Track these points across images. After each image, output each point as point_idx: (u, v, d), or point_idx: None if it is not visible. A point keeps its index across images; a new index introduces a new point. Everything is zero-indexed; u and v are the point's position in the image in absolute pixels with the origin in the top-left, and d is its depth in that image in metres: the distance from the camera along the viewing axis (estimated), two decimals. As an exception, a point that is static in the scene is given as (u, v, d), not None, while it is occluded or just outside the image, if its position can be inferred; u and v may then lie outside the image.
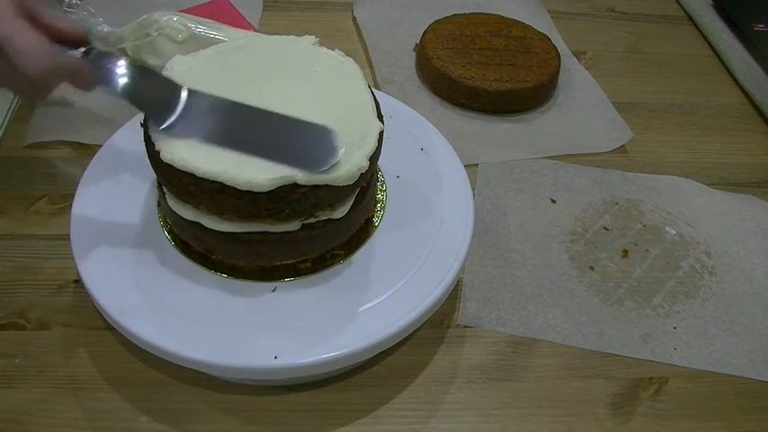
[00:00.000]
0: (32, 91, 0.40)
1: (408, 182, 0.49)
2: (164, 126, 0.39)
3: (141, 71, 0.39)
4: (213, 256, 0.43)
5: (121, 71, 0.38)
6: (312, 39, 0.47)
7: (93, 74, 0.38)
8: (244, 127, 0.40)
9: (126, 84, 0.38)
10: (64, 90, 0.62)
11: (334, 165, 0.38)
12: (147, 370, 0.44)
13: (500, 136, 0.65)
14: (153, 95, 0.39)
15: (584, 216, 0.58)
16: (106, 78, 0.38)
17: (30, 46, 0.35)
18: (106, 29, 0.62)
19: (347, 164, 0.39)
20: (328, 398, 0.44)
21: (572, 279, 0.53)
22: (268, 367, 0.38)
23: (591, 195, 0.60)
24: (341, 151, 0.38)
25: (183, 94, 0.39)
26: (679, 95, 0.74)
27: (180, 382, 0.44)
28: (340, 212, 0.42)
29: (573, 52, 0.76)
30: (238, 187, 0.37)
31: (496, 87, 0.66)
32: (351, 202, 0.42)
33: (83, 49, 0.38)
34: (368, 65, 0.72)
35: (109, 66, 0.38)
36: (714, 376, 0.48)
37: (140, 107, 0.39)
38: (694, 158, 0.66)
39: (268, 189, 0.37)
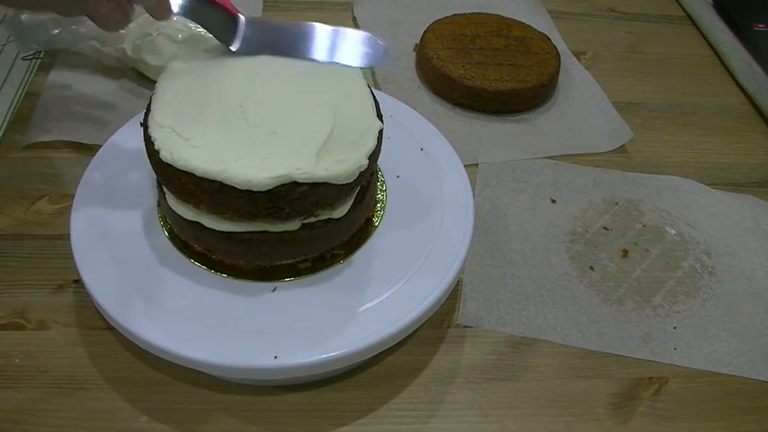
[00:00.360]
0: (118, 17, 0.42)
1: (408, 182, 0.49)
2: (236, 49, 0.43)
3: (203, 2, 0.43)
4: (213, 256, 0.43)
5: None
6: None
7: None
8: (300, 41, 0.45)
9: (193, 8, 0.42)
10: (64, 90, 0.63)
11: (334, 153, 0.39)
12: (147, 370, 0.44)
13: (500, 136, 0.65)
14: (217, 21, 0.43)
15: (584, 216, 0.58)
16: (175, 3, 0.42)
17: None
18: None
19: (347, 162, 0.39)
20: (328, 398, 0.44)
21: (572, 279, 0.53)
22: (268, 367, 0.38)
23: (591, 195, 0.60)
24: (386, 50, 0.44)
25: (242, 21, 0.44)
26: (679, 95, 0.74)
27: (180, 382, 0.44)
28: (340, 212, 0.42)
29: (573, 52, 0.76)
30: (237, 186, 0.37)
31: (496, 87, 0.66)
32: (351, 202, 0.42)
33: None
34: (368, 65, 0.72)
35: None
36: (714, 376, 0.48)
37: (210, 31, 0.43)
38: (694, 158, 0.66)
39: (267, 188, 0.37)
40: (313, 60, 0.44)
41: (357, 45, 0.45)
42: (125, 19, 0.42)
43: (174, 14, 0.42)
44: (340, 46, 0.45)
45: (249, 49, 0.44)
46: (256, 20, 0.44)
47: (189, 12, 0.42)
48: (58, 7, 0.40)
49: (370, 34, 0.45)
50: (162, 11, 0.41)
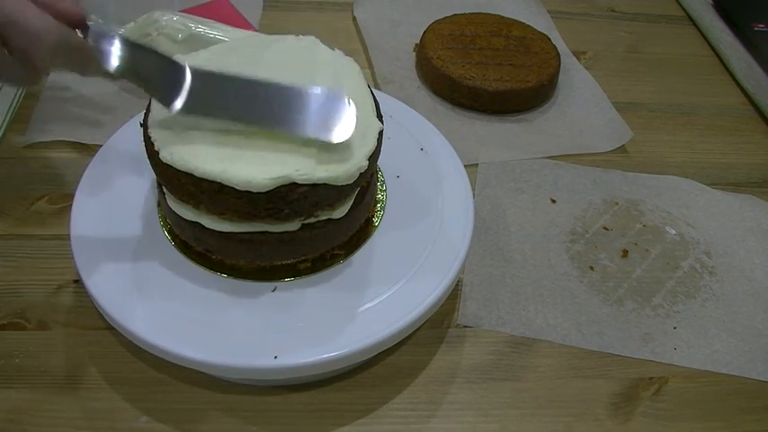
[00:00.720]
0: (28, 75, 0.37)
1: (408, 182, 0.49)
2: (175, 109, 0.38)
3: (139, 49, 0.38)
4: (213, 256, 0.43)
5: (118, 50, 0.37)
6: (312, 39, 0.47)
7: (95, 54, 0.37)
8: (255, 101, 0.39)
9: (126, 64, 0.37)
10: (64, 90, 0.63)
11: (333, 152, 0.38)
12: (147, 370, 0.44)
13: (500, 136, 0.65)
14: (156, 75, 0.38)
15: (584, 216, 0.58)
16: (106, 58, 0.37)
17: (37, 23, 0.34)
18: (105, 28, 0.62)
19: (347, 163, 0.39)
20: (328, 398, 0.44)
21: (572, 279, 0.53)
22: (268, 367, 0.38)
23: (591, 195, 0.60)
24: (354, 113, 0.38)
25: (188, 74, 0.38)
26: (679, 95, 0.74)
27: (180, 382, 0.44)
28: (340, 212, 0.42)
29: (573, 52, 0.76)
30: (237, 187, 0.37)
31: (496, 87, 0.66)
32: (351, 202, 0.42)
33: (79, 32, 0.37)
34: (368, 65, 0.72)
35: (107, 45, 0.37)
36: (714, 376, 0.48)
37: (144, 88, 0.38)
38: (694, 158, 0.66)
39: (267, 189, 0.37)
40: (265, 129, 0.39)
41: (319, 111, 0.39)
42: (35, 76, 0.37)
43: (106, 71, 0.37)
44: (298, 113, 0.39)
45: (191, 110, 0.38)
46: (208, 73, 0.39)
47: (125, 65, 0.37)
48: None
49: (339, 94, 0.39)
50: (87, 66, 0.37)
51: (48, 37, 0.34)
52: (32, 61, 0.35)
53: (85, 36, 0.37)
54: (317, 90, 0.40)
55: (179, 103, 0.38)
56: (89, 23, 0.37)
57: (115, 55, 0.37)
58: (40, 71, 0.37)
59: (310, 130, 0.38)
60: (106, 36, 0.37)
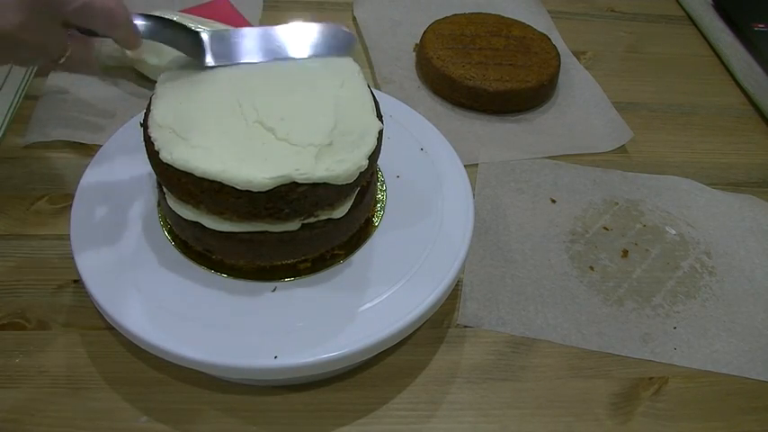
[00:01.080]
0: (85, 56, 0.43)
1: (408, 182, 0.49)
2: (209, 63, 0.43)
3: (160, 22, 0.42)
4: (213, 256, 0.43)
5: (147, 25, 0.41)
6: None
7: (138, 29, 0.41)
8: (268, 43, 0.45)
9: (159, 31, 0.42)
10: (64, 90, 0.63)
11: (333, 153, 0.39)
12: (147, 370, 0.44)
13: (500, 136, 0.65)
14: (184, 40, 0.43)
15: (584, 216, 0.58)
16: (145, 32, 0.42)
17: (109, 2, 0.38)
18: None
19: (346, 162, 0.39)
20: (328, 398, 0.44)
21: (572, 279, 0.53)
22: (268, 367, 0.38)
23: (591, 195, 0.60)
24: (352, 35, 0.45)
25: (205, 36, 0.43)
26: (679, 95, 0.74)
27: (180, 382, 0.44)
28: (340, 212, 0.42)
29: (573, 52, 0.76)
30: (237, 187, 0.37)
31: (496, 87, 0.66)
32: (350, 202, 0.42)
33: None
34: (368, 65, 0.72)
35: (138, 20, 0.41)
36: (714, 376, 0.48)
37: (180, 50, 0.43)
38: (694, 158, 0.66)
39: (267, 189, 0.37)
40: (290, 59, 0.44)
41: (324, 38, 0.45)
42: (91, 57, 0.44)
43: (143, 40, 0.42)
44: (307, 41, 0.45)
45: (221, 61, 0.44)
46: (216, 32, 0.44)
47: (156, 34, 0.42)
48: (17, 60, 0.41)
49: (333, 24, 0.45)
50: (133, 41, 0.41)
51: (121, 13, 0.39)
52: (115, 38, 0.40)
53: None
54: (315, 26, 0.45)
55: (209, 60, 0.43)
56: None
57: (149, 28, 0.42)
58: (92, 49, 0.44)
59: (315, 52, 0.45)
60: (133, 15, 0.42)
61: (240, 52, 0.44)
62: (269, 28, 0.45)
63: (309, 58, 0.45)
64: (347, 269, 0.44)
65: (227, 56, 0.44)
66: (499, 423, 0.44)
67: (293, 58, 0.44)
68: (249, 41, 0.44)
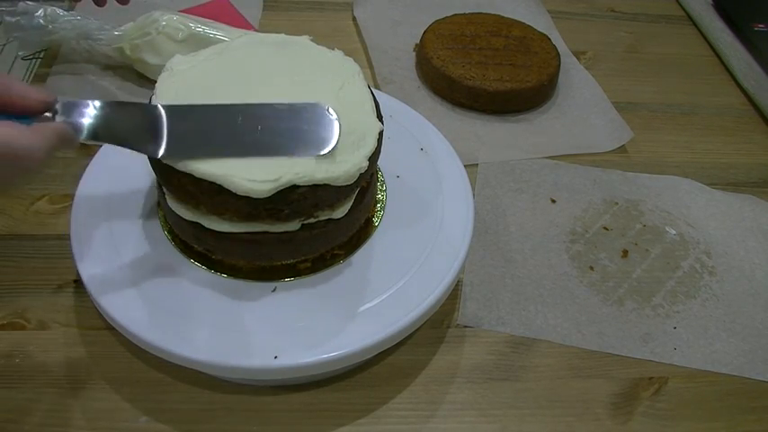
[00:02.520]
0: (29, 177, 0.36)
1: (408, 182, 0.49)
2: (161, 155, 0.37)
3: (114, 106, 0.37)
4: (213, 256, 0.43)
5: (92, 113, 0.36)
6: (306, 39, 0.47)
7: (74, 134, 0.36)
8: (236, 129, 0.39)
9: (102, 130, 0.36)
10: (63, 90, 0.63)
11: (333, 154, 0.38)
12: (147, 370, 0.44)
13: (500, 136, 0.65)
14: (135, 126, 0.38)
15: (584, 216, 0.58)
16: (81, 129, 0.36)
17: (28, 141, 0.33)
18: (105, 28, 0.62)
19: (346, 164, 0.39)
20: (328, 398, 0.44)
21: (572, 279, 0.53)
22: (268, 367, 0.38)
23: (591, 195, 0.60)
24: (337, 127, 0.39)
25: (163, 115, 0.38)
26: (679, 95, 0.74)
27: (180, 382, 0.44)
28: (340, 212, 0.42)
29: (573, 52, 0.76)
30: (237, 192, 0.37)
31: (496, 87, 0.66)
32: (351, 202, 0.42)
33: (48, 114, 0.36)
34: (368, 65, 0.72)
35: (79, 115, 0.36)
36: (714, 376, 0.48)
37: (126, 145, 0.37)
38: (694, 158, 0.66)
39: (266, 195, 0.37)
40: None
41: (305, 128, 0.39)
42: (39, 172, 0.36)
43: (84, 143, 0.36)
44: (283, 134, 0.39)
45: (174, 153, 0.37)
46: (186, 108, 0.38)
47: (101, 131, 0.36)
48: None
49: (324, 106, 0.39)
50: (71, 145, 0.36)
51: (39, 150, 0.33)
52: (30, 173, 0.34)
53: (55, 114, 0.36)
54: (297, 107, 0.40)
55: (161, 151, 0.37)
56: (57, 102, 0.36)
57: (89, 124, 0.36)
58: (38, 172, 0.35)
59: (294, 151, 0.38)
60: (76, 107, 0.36)
61: (205, 143, 0.38)
62: (244, 107, 0.39)
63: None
64: (347, 269, 0.44)
65: (186, 148, 0.38)
66: (499, 423, 0.44)
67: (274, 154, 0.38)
68: (218, 128, 0.38)
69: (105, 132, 0.37)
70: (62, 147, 0.35)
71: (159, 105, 0.38)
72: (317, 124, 0.39)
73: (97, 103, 0.37)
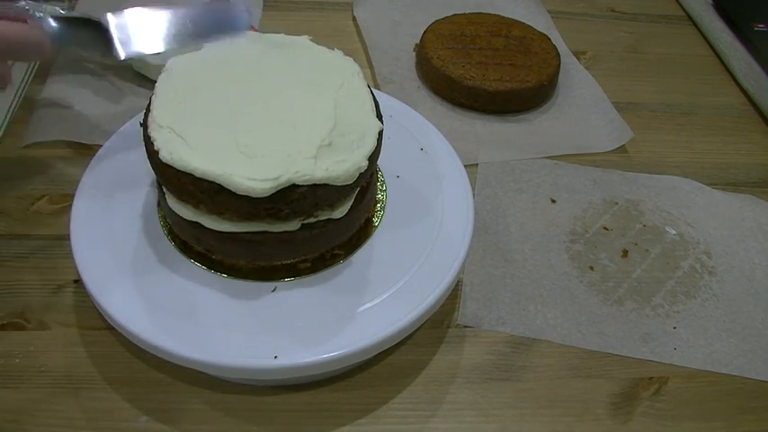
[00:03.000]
0: None
1: (408, 182, 0.49)
2: (120, 58, 0.43)
3: (68, 20, 0.42)
4: (213, 256, 0.43)
5: (56, 27, 0.41)
6: (306, 39, 0.47)
7: (47, 39, 0.41)
8: (166, 23, 0.44)
9: (68, 36, 0.42)
10: (63, 90, 0.63)
11: (333, 154, 0.39)
12: (147, 370, 0.44)
13: (500, 136, 0.65)
14: (91, 38, 0.43)
15: (585, 216, 0.58)
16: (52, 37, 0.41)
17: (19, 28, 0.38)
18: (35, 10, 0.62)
19: (346, 163, 0.39)
20: (328, 398, 0.44)
21: (572, 279, 0.53)
22: (268, 367, 0.38)
23: (591, 195, 0.60)
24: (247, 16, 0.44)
25: (108, 20, 0.43)
26: (679, 95, 0.74)
27: (180, 382, 0.44)
28: (340, 212, 0.42)
29: (573, 52, 0.76)
30: (237, 192, 0.37)
31: (496, 87, 0.66)
32: (350, 202, 0.42)
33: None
34: (368, 65, 0.72)
35: (46, 25, 0.41)
36: (714, 376, 0.48)
37: (87, 52, 0.44)
38: (694, 158, 0.66)
39: (266, 195, 0.37)
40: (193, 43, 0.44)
41: (218, 19, 0.45)
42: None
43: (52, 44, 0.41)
44: (203, 25, 0.44)
45: (130, 53, 0.43)
46: (119, 19, 0.43)
47: (67, 38, 0.42)
48: None
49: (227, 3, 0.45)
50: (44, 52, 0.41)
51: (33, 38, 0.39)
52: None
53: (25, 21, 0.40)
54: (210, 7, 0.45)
55: (121, 53, 0.43)
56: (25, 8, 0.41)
57: (56, 31, 0.41)
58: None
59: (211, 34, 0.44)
60: (41, 18, 0.41)
61: (143, 41, 0.43)
62: (166, 10, 0.44)
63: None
64: (347, 269, 0.44)
65: (131, 45, 0.43)
66: (499, 423, 0.44)
67: (196, 43, 0.44)
68: (150, 27, 0.44)
69: (73, 40, 0.43)
70: (35, 51, 0.40)
71: (107, 15, 0.43)
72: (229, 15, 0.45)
73: (57, 18, 0.41)
